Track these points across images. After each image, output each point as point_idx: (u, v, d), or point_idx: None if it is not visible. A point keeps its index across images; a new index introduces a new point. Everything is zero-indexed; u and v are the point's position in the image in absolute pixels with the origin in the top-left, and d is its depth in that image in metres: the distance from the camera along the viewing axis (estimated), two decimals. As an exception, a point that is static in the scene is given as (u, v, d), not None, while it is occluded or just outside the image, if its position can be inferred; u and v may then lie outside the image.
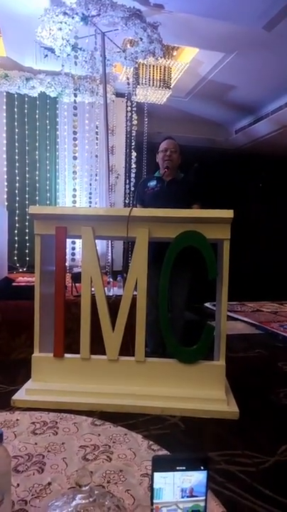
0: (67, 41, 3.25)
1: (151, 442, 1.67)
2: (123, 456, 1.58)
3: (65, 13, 2.97)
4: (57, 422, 1.84)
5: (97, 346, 2.25)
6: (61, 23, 3.04)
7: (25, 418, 1.87)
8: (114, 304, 2.51)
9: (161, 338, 2.28)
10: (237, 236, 2.42)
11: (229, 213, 2.14)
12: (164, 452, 1.61)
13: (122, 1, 3.07)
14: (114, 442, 1.68)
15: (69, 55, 3.41)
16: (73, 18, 2.97)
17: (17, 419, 1.87)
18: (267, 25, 3.56)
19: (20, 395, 2.22)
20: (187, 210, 2.29)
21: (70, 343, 2.35)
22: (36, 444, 1.65)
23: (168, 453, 1.60)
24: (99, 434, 1.73)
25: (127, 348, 2.29)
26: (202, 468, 0.96)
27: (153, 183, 2.74)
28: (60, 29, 3.08)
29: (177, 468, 0.95)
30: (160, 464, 0.95)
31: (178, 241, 2.20)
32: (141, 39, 3.15)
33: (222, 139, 6.82)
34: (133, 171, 4.66)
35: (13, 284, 3.27)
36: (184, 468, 0.95)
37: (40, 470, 1.46)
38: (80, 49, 3.44)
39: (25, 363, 2.42)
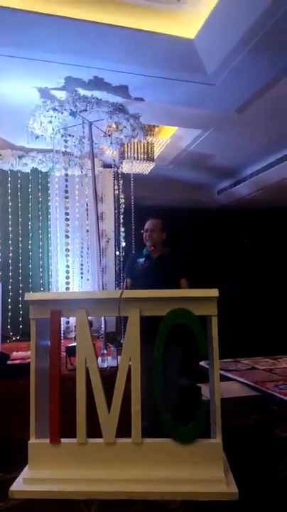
0: (58, 131, 3.56)
1: None
2: None
3: (54, 109, 3.28)
4: None
5: (94, 421, 2.25)
6: (51, 116, 3.36)
7: None
8: (109, 376, 2.55)
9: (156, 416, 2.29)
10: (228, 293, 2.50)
11: (214, 292, 2.27)
12: None
13: (106, 97, 3.43)
14: None
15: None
16: (62, 112, 3.28)
17: None
18: (238, 109, 3.97)
19: (18, 485, 2.18)
20: (175, 291, 2.41)
21: (66, 419, 2.33)
22: None
23: None
24: None
25: (125, 422, 2.30)
26: None
27: (141, 260, 2.88)
28: (51, 121, 3.40)
29: None
30: None
31: (168, 318, 2.30)
32: (125, 127, 3.47)
33: (206, 199, 7.19)
34: (123, 235, 4.89)
35: (9, 362, 3.29)
36: None
37: None
38: (69, 135, 3.75)
39: (22, 444, 2.35)
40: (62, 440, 2.27)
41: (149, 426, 2.37)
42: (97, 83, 3.40)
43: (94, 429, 2.27)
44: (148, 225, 2.87)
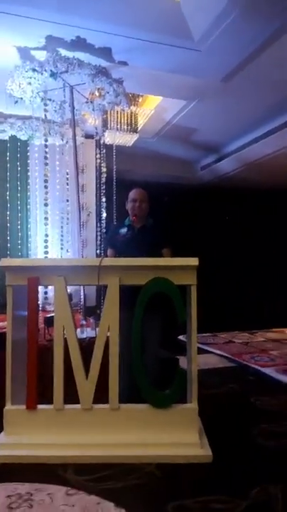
0: (37, 93, 3.40)
1: (123, 510, 1.68)
2: None
3: (34, 70, 3.12)
4: (32, 494, 1.81)
5: (71, 388, 2.25)
6: (30, 77, 3.20)
7: (0, 492, 1.83)
8: (87, 346, 2.54)
9: (133, 381, 2.31)
10: (207, 268, 2.51)
11: (194, 261, 2.26)
12: None
13: (89, 59, 3.28)
14: None
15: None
16: (42, 74, 3.12)
17: None
18: (224, 78, 3.88)
19: (-7, 451, 2.18)
20: (154, 259, 2.38)
21: (42, 389, 2.34)
22: None
23: None
24: (73, 505, 1.72)
25: (102, 389, 2.30)
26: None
27: (123, 230, 2.83)
28: (30, 83, 3.24)
29: None
30: None
31: (148, 287, 2.29)
32: (108, 92, 3.34)
33: (189, 176, 7.12)
34: (104, 205, 4.81)
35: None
36: None
37: None
38: (50, 100, 3.60)
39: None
40: (39, 406, 2.26)
41: (125, 389, 2.38)
42: (79, 44, 3.24)
43: (70, 398, 2.27)
44: (135, 194, 2.78)
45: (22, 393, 2.27)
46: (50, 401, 2.26)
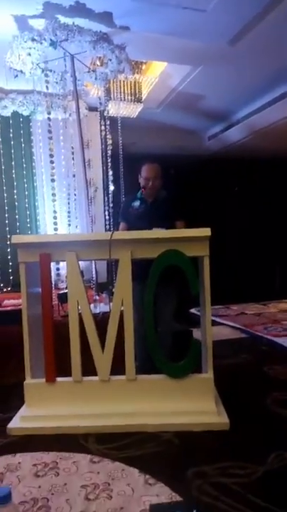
0: (37, 64, 3.29)
1: (148, 476, 1.72)
2: (122, 493, 1.62)
3: (33, 39, 3.00)
4: (57, 463, 1.87)
5: (90, 362, 2.29)
6: (30, 48, 3.08)
7: (26, 461, 1.89)
8: (101, 321, 2.56)
9: (148, 353, 2.33)
10: (217, 239, 2.47)
11: (206, 231, 2.22)
12: (160, 485, 1.66)
13: (89, 25, 3.14)
14: (112, 479, 1.72)
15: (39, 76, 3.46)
16: (41, 43, 3.01)
17: (19, 463, 1.88)
18: (231, 41, 3.69)
19: (15, 423, 2.24)
20: (166, 231, 2.35)
21: (61, 363, 2.37)
22: (40, 487, 1.68)
23: (164, 485, 1.65)
24: (99, 472, 1.77)
25: (119, 362, 2.33)
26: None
27: (136, 204, 2.79)
28: (29, 54, 3.12)
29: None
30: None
31: (160, 260, 2.27)
32: (110, 60, 3.22)
33: (196, 146, 6.95)
34: (111, 179, 4.74)
35: (0, 309, 3.27)
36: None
37: (46, 514, 1.49)
38: (50, 71, 3.48)
39: (17, 387, 2.41)
40: (58, 379, 2.31)
41: (141, 365, 2.42)
42: (79, 9, 3.08)
43: (87, 372, 2.31)
44: (148, 172, 2.71)
45: (40, 367, 2.32)
46: (68, 374, 2.30)
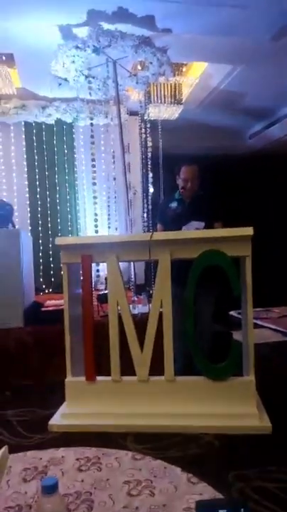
0: (81, 72, 3.39)
1: (190, 475, 1.71)
2: (165, 490, 1.62)
3: (77, 47, 3.10)
4: (99, 458, 1.90)
5: (129, 361, 2.31)
6: (74, 56, 3.18)
7: (70, 455, 1.94)
8: (140, 322, 2.58)
9: (190, 356, 2.32)
10: (260, 240, 2.40)
11: (248, 231, 2.17)
12: (203, 484, 1.64)
13: (131, 30, 3.19)
14: (155, 476, 1.72)
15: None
16: (85, 50, 3.10)
17: (62, 456, 1.93)
18: (274, 37, 3.60)
19: (56, 420, 2.31)
20: (206, 231, 2.34)
21: (101, 361, 2.41)
22: (83, 481, 1.72)
23: (207, 485, 1.63)
24: (141, 469, 1.78)
25: (157, 361, 2.34)
26: (242, 510, 1.01)
27: (174, 205, 2.79)
28: (73, 62, 3.23)
29: (219, 511, 1.00)
30: (204, 508, 1.01)
31: (200, 260, 2.25)
32: (151, 63, 3.25)
33: (237, 144, 6.82)
34: (151, 180, 4.77)
35: (43, 309, 3.39)
36: (225, 511, 1.01)
37: (89, 508, 1.52)
38: (93, 77, 3.57)
39: (58, 385, 2.46)
40: (98, 378, 2.35)
41: (181, 369, 2.40)
42: (122, 14, 3.14)
43: (126, 372, 2.34)
44: (186, 174, 2.71)
45: (81, 366, 2.37)
46: (108, 373, 2.34)
